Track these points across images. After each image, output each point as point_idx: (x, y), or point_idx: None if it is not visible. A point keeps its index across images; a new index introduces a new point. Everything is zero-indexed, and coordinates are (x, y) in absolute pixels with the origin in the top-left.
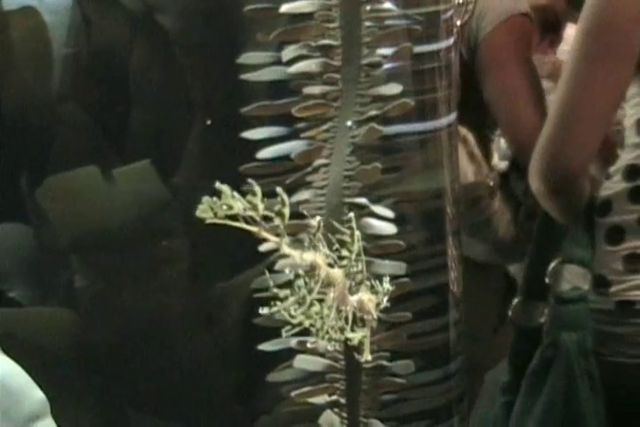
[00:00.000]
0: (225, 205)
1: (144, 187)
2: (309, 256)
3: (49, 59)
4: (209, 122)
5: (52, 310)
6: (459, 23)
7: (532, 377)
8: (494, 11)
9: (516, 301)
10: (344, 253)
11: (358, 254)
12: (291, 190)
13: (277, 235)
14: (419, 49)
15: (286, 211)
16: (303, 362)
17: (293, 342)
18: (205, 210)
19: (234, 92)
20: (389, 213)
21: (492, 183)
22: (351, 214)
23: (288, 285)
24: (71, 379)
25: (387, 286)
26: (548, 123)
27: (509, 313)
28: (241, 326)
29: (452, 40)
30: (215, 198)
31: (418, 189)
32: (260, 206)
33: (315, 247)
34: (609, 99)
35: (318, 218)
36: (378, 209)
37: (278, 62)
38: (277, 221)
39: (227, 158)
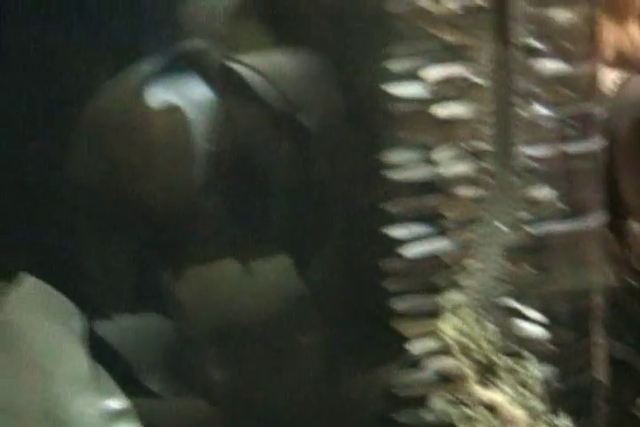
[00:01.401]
0: (453, 326)
1: (282, 280)
2: (492, 395)
3: (191, 155)
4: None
5: (190, 402)
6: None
7: None
8: (632, 105)
9: None
10: (526, 393)
11: (541, 395)
12: (438, 290)
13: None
14: (570, 149)
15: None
16: None
17: None
18: (443, 326)
19: (376, 189)
20: (539, 317)
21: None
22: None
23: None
24: None
25: (566, 422)
26: None
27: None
28: (380, 422)
29: (602, 140)
30: (453, 318)
31: (567, 288)
32: (477, 337)
33: (498, 386)
34: None
35: (505, 358)
36: (528, 312)
37: (427, 161)
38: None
39: (367, 254)
